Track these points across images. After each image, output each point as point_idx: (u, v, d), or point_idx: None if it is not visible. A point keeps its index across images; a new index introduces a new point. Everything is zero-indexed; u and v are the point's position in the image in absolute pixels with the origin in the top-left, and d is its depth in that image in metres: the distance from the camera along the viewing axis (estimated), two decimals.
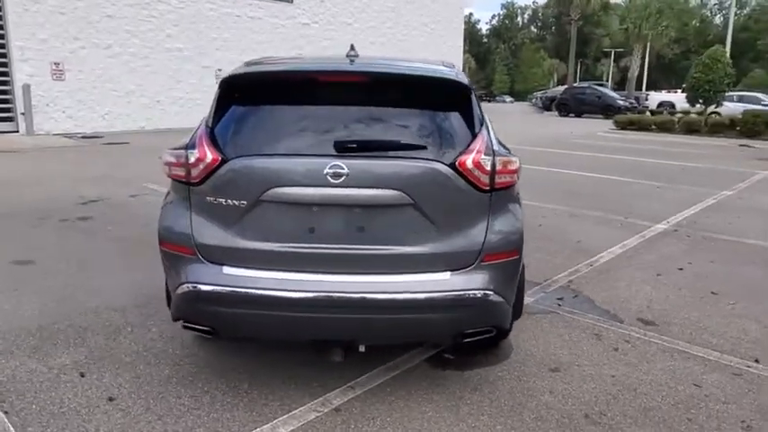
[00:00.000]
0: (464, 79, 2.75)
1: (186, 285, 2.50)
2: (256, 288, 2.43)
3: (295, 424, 2.54)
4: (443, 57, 28.06)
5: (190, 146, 2.54)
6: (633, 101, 29.52)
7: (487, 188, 2.52)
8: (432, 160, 2.46)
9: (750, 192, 8.66)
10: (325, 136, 2.50)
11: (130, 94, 16.97)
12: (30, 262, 4.65)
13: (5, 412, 2.58)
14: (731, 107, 19.74)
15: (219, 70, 17.77)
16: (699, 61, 18.82)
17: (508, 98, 66.96)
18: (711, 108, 19.32)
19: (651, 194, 8.22)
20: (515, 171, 2.60)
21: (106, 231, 5.67)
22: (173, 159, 2.60)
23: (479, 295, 2.48)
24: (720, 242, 5.74)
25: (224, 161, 2.46)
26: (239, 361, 3.06)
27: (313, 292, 2.41)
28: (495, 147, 2.59)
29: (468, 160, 2.47)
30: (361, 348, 2.64)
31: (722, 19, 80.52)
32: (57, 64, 15.18)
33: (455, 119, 2.60)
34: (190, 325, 2.63)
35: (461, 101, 2.65)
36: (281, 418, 2.58)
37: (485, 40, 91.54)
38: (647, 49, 35.69)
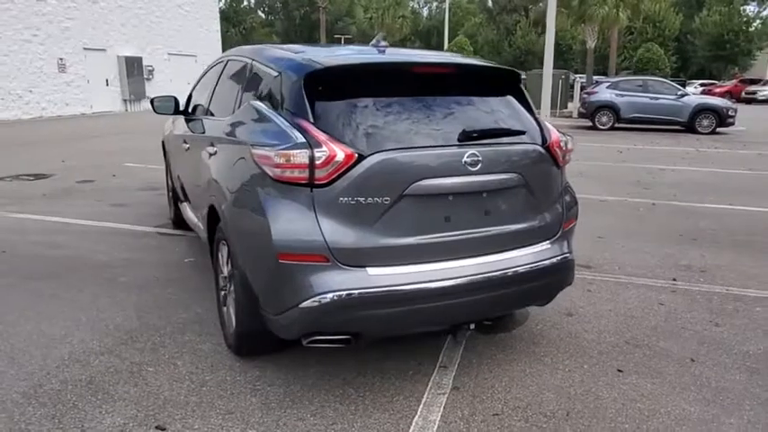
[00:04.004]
0: None
1: (326, 295, 2.33)
2: (404, 284, 2.41)
3: (436, 410, 2.61)
4: (201, 41, 26.79)
5: (314, 144, 2.33)
6: None
7: (562, 165, 2.91)
8: (532, 143, 2.74)
9: None
10: (441, 126, 2.56)
11: None
12: None
13: None
14: None
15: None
16: (448, 49, 21.78)
17: None
18: None
19: None
20: (572, 150, 3.04)
21: None
22: (282, 161, 2.36)
23: (567, 258, 2.88)
24: None
25: (360, 158, 2.34)
26: (317, 370, 2.91)
27: (454, 278, 2.50)
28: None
29: (554, 141, 2.82)
30: (471, 326, 2.81)
31: (428, 11, 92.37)
32: None
33: (521, 105, 2.91)
34: (322, 338, 2.45)
35: (520, 89, 2.96)
36: (420, 408, 2.62)
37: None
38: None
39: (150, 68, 23.33)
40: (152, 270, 4.38)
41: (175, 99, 4.58)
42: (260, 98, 2.86)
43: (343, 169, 2.34)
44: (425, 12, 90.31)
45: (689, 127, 15.74)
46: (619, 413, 2.60)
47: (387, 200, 2.38)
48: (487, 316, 2.83)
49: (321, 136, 2.37)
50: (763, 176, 9.07)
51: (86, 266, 4.44)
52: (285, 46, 3.23)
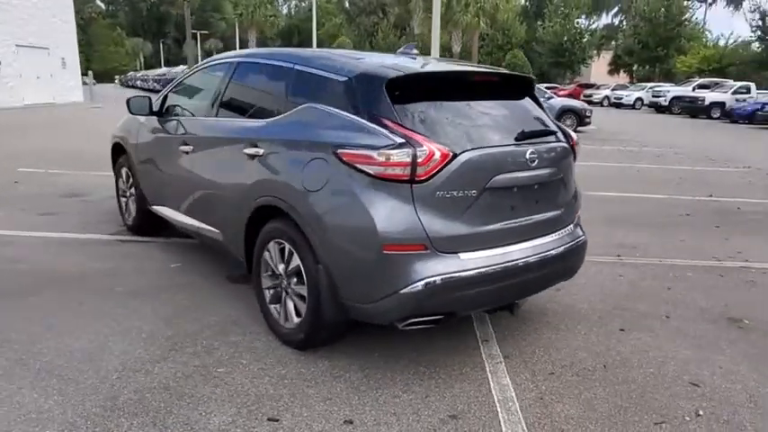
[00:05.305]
0: None
1: (425, 281, 2.60)
2: (490, 266, 2.76)
3: (503, 375, 3.00)
4: (55, 32, 24.31)
5: (415, 144, 2.58)
6: None
7: (575, 160, 3.44)
8: (562, 142, 3.23)
9: None
10: (498, 127, 2.96)
11: None
12: None
13: None
14: None
15: None
16: (333, 47, 22.15)
17: (89, 79, 58.74)
18: None
19: None
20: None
21: None
22: (383, 159, 2.59)
23: (584, 240, 3.42)
24: None
25: (454, 156, 2.64)
26: (381, 354, 3.15)
27: (523, 258, 2.90)
28: None
29: (574, 140, 3.34)
30: (518, 301, 3.23)
31: (287, 10, 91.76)
32: None
33: (539, 107, 3.39)
34: (418, 320, 2.70)
35: (534, 94, 3.45)
36: (488, 375, 2.99)
37: None
38: (255, 35, 38.67)
39: None
40: (143, 278, 4.21)
41: (149, 99, 4.49)
42: (321, 101, 3.00)
43: (440, 166, 2.62)
44: (284, 10, 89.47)
45: None
46: (641, 362, 3.19)
47: (474, 192, 2.71)
48: (539, 290, 3.27)
49: (418, 137, 2.63)
50: (633, 169, 10.68)
51: (64, 279, 4.14)
52: (330, 51, 3.40)
